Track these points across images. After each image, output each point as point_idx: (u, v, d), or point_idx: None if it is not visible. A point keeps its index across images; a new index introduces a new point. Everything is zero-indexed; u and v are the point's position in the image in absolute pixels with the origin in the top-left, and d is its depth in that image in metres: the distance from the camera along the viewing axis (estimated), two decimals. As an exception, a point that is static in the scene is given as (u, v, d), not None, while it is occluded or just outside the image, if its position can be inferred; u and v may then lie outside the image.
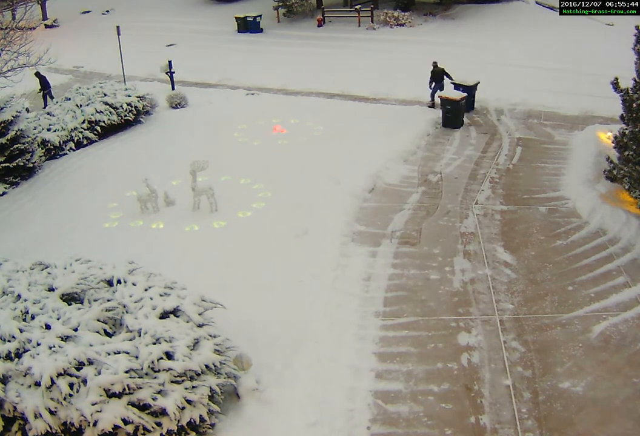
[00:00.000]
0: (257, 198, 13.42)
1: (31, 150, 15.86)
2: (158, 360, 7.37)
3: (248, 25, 30.74)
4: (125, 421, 7.02)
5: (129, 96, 18.76)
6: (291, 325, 9.38)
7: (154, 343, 7.57)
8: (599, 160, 14.25)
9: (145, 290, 8.49)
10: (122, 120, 18.49)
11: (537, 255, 11.22)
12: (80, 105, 18.17)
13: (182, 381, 7.39)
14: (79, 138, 17.51)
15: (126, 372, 7.16)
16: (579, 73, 20.94)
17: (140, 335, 7.72)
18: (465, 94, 17.40)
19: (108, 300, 8.22)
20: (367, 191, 13.76)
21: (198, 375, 7.53)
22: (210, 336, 8.05)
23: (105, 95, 18.52)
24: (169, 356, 7.48)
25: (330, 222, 12.15)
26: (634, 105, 11.95)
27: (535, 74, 21.17)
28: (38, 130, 17.03)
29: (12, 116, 15.41)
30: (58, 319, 7.91)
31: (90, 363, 7.25)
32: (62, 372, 7.10)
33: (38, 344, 7.48)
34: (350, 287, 10.43)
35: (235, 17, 31.07)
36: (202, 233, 12.31)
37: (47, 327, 7.78)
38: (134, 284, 8.62)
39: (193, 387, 7.41)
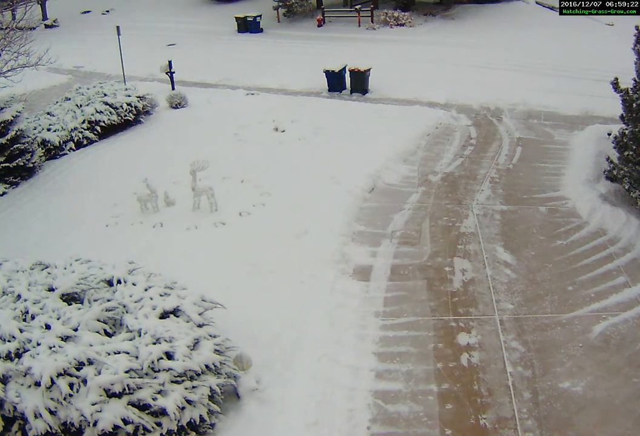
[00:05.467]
0: (257, 198, 13.41)
1: (31, 150, 15.86)
2: (158, 360, 7.37)
3: (248, 25, 30.77)
4: (125, 421, 7.02)
5: (129, 96, 18.75)
6: (291, 325, 9.37)
7: (154, 343, 7.57)
8: (599, 160, 14.26)
9: (145, 290, 8.49)
10: (122, 120, 18.48)
11: (537, 255, 11.21)
12: (80, 105, 18.17)
13: (182, 381, 7.39)
14: (79, 138, 17.50)
15: (126, 372, 7.16)
16: (579, 73, 20.96)
17: (140, 335, 7.72)
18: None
19: (108, 300, 8.22)
20: (367, 191, 13.75)
21: (198, 375, 7.53)
22: (210, 336, 8.05)
23: (105, 95, 18.52)
24: (169, 356, 7.48)
25: (330, 222, 12.15)
26: (634, 105, 11.95)
27: (535, 74, 21.19)
28: (38, 130, 17.03)
29: (12, 116, 15.41)
30: (58, 319, 7.91)
31: (90, 363, 7.25)
32: (62, 372, 7.10)
33: (38, 344, 7.48)
34: (350, 287, 10.43)
35: (235, 17, 31.11)
36: (202, 233, 12.30)
37: (47, 327, 7.78)
38: (134, 284, 8.62)
39: (193, 387, 7.41)
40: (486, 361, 8.77)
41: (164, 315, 8.10)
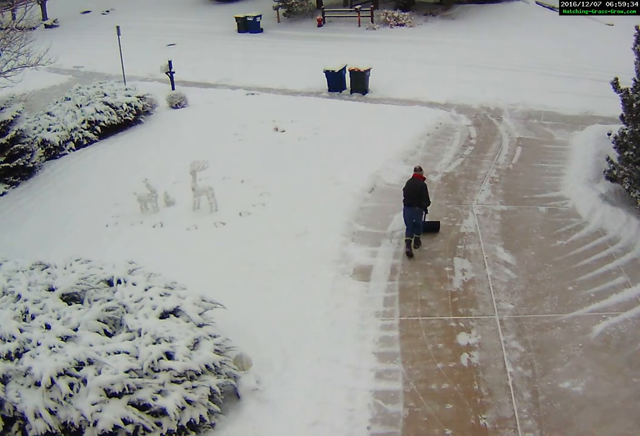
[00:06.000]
0: (257, 198, 13.41)
1: (31, 150, 15.87)
2: (158, 360, 7.38)
3: (248, 25, 30.75)
4: (125, 421, 7.03)
5: (129, 96, 18.76)
6: (291, 325, 9.37)
7: (154, 343, 7.57)
8: (599, 160, 14.25)
9: (145, 290, 8.50)
10: (122, 120, 18.49)
11: (537, 255, 11.21)
12: (80, 105, 18.18)
13: (182, 381, 7.40)
14: (79, 138, 17.51)
15: (126, 372, 7.16)
16: (579, 73, 20.95)
17: (140, 335, 7.72)
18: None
19: (108, 300, 8.22)
20: (367, 191, 13.75)
21: (198, 375, 7.54)
22: (210, 336, 8.05)
23: (105, 95, 18.53)
24: (169, 356, 7.48)
25: (330, 222, 12.15)
26: (634, 105, 11.96)
27: (535, 74, 21.17)
28: (38, 130, 17.04)
29: (12, 116, 15.43)
30: (58, 319, 7.91)
31: (90, 363, 7.25)
32: (62, 372, 7.10)
33: (38, 344, 7.48)
34: (350, 287, 10.43)
35: (235, 17, 31.08)
36: (202, 233, 12.30)
37: (47, 327, 7.78)
38: (134, 284, 8.62)
39: (193, 387, 7.41)
40: (486, 361, 8.77)
41: (164, 315, 8.10)
